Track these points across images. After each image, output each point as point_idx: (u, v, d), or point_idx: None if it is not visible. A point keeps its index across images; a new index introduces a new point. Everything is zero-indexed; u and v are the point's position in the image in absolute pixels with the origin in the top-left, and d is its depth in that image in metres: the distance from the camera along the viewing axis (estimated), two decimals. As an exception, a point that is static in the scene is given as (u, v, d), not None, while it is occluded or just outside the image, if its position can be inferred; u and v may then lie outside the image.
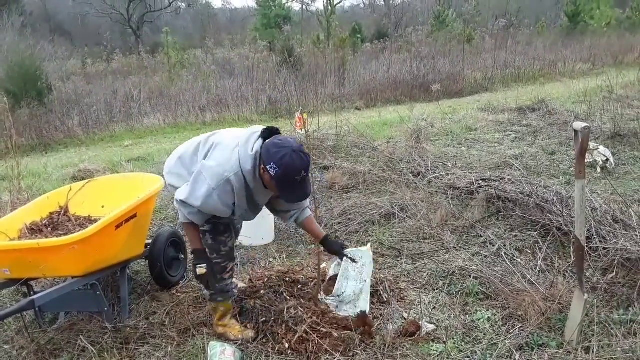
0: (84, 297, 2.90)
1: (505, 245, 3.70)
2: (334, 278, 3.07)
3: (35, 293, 2.91)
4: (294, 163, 2.35)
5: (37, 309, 2.88)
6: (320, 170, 5.89)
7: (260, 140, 2.50)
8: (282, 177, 2.37)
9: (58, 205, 3.30)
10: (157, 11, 36.16)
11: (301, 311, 2.83)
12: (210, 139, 2.66)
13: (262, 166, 2.43)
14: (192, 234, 2.65)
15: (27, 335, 2.90)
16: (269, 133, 2.52)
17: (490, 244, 3.78)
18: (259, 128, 2.59)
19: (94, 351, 2.66)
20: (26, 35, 16.12)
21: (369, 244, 3.12)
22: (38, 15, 30.66)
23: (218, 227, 2.72)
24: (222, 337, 2.82)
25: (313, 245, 3.97)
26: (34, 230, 3.04)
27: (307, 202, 2.87)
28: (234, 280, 2.91)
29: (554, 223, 3.73)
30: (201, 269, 2.60)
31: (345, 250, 2.87)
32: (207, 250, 2.73)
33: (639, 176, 5.10)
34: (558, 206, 3.88)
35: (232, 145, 2.51)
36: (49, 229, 3.07)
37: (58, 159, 8.18)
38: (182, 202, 2.52)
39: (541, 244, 3.63)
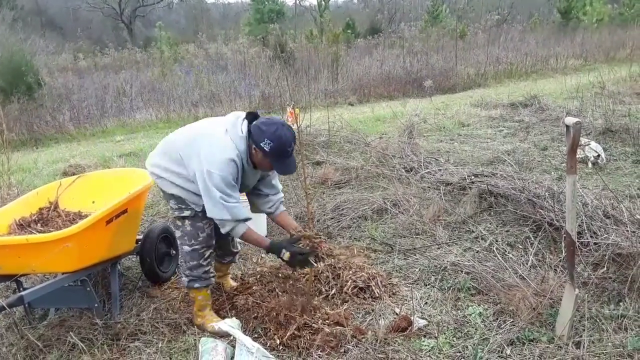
0: (74, 293, 2.89)
1: (496, 241, 3.71)
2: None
3: (24, 289, 2.89)
4: (286, 135, 2.53)
5: (26, 305, 2.86)
6: (313, 166, 5.88)
7: (246, 122, 2.62)
8: (277, 148, 2.52)
9: (48, 201, 3.27)
10: (149, 5, 35.88)
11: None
12: (191, 133, 2.71)
13: (254, 146, 2.56)
14: (252, 238, 2.72)
15: (17, 331, 2.88)
16: (252, 116, 2.65)
17: (482, 239, 3.79)
18: (240, 113, 2.68)
19: (84, 347, 2.64)
20: (17, 29, 15.95)
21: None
22: (29, 9, 30.34)
23: (198, 213, 2.74)
24: (200, 328, 2.85)
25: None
26: (23, 225, 3.00)
27: (282, 196, 2.96)
28: (212, 269, 2.91)
29: (545, 218, 3.74)
30: (286, 254, 2.62)
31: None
32: (185, 237, 2.77)
33: (630, 171, 5.12)
34: (549, 201, 3.89)
35: (220, 132, 2.58)
36: (39, 224, 3.04)
37: (49, 154, 8.11)
38: (227, 220, 2.58)
39: (532, 239, 3.64)
